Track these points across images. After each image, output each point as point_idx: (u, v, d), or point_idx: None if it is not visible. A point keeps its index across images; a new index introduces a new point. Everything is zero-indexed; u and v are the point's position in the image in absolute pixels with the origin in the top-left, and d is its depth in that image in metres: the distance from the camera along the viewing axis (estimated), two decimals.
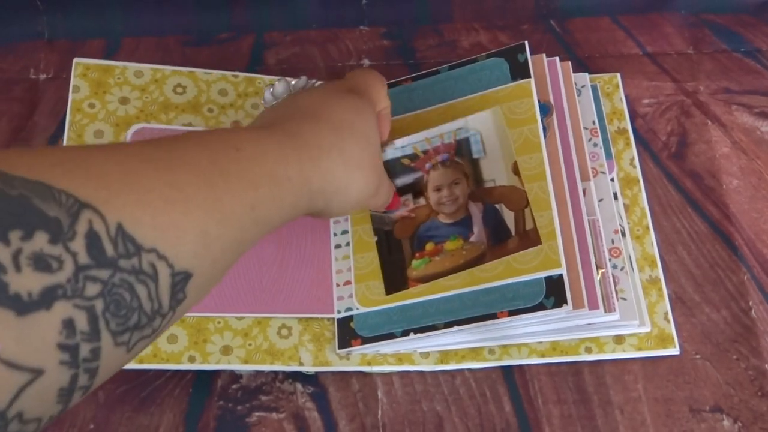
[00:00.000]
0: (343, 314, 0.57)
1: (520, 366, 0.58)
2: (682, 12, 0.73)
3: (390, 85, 0.62)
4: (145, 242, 0.31)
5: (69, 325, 0.28)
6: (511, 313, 0.52)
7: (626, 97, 0.67)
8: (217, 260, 0.35)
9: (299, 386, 0.57)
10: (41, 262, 0.27)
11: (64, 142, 0.58)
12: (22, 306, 0.26)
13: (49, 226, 0.28)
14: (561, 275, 0.51)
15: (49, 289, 0.27)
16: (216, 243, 0.34)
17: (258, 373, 0.57)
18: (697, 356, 0.58)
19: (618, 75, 0.67)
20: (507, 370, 0.58)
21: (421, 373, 0.57)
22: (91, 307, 0.28)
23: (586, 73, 0.65)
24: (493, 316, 0.52)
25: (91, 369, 0.29)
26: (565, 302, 0.50)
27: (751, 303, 0.60)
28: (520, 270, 0.52)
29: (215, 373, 0.56)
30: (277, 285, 0.56)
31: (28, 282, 0.26)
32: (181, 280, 0.33)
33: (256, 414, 0.56)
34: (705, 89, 0.69)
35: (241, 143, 0.38)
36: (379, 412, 0.56)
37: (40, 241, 0.27)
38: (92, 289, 0.28)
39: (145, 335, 0.32)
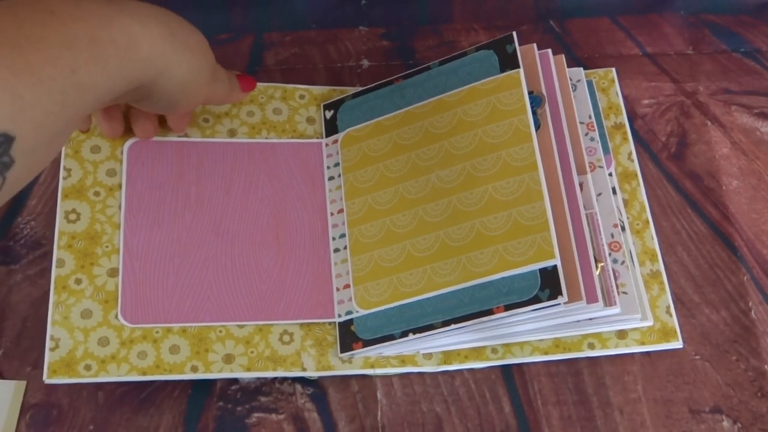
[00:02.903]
0: (344, 318, 0.57)
1: (519, 367, 0.58)
2: (681, 12, 0.73)
3: (382, 85, 0.62)
4: None
5: None
6: (507, 307, 0.52)
7: (626, 97, 0.67)
8: (40, 125, 0.35)
9: (299, 387, 0.57)
10: None
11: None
12: None
13: None
14: (555, 266, 0.51)
15: None
16: (35, 107, 0.34)
17: (257, 376, 0.57)
18: (697, 357, 0.58)
19: (613, 70, 0.67)
20: (506, 371, 0.58)
21: (421, 374, 0.57)
22: None
23: (581, 68, 0.65)
24: (489, 312, 0.52)
25: None
26: (560, 293, 0.50)
27: (750, 304, 0.60)
28: (513, 263, 0.52)
29: (213, 378, 0.56)
30: (278, 292, 0.56)
31: None
32: (2, 143, 0.33)
33: (256, 415, 0.56)
34: (705, 90, 0.69)
35: (56, 6, 0.38)
36: (379, 413, 0.56)
37: None
38: None
39: None
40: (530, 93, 0.57)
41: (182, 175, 0.58)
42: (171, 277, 0.55)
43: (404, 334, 0.54)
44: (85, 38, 0.38)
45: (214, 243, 0.57)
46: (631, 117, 0.67)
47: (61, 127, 0.37)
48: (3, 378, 0.55)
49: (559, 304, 0.50)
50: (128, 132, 0.57)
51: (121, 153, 0.58)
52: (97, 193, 0.56)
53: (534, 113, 0.56)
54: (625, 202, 0.62)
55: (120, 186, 0.57)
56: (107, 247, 0.55)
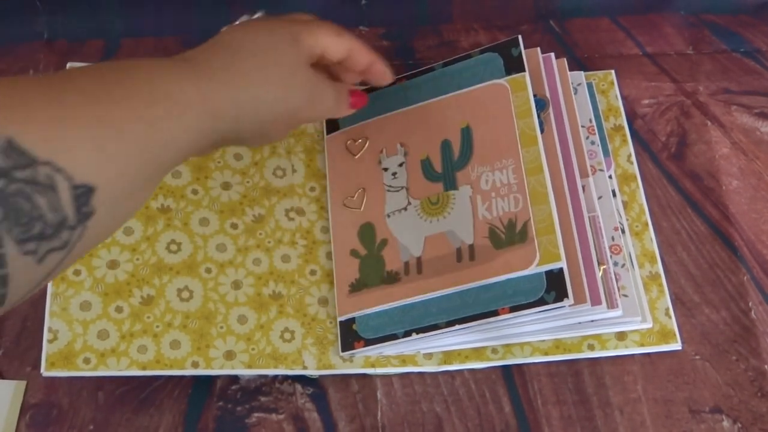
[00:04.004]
0: (346, 316, 0.57)
1: (519, 367, 0.58)
2: (681, 12, 0.73)
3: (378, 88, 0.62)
4: (40, 155, 0.32)
5: None
6: (513, 309, 0.52)
7: (626, 97, 0.67)
8: (121, 176, 0.36)
9: (299, 387, 0.57)
10: None
11: None
12: None
13: None
14: (561, 269, 0.51)
15: None
16: (117, 160, 0.36)
17: (257, 375, 0.57)
18: (697, 357, 0.58)
19: (612, 72, 0.67)
20: (506, 371, 0.58)
21: (421, 374, 0.57)
22: None
23: (582, 72, 0.65)
24: (494, 313, 0.52)
25: (0, 276, 0.31)
26: (566, 296, 0.50)
27: (750, 304, 0.60)
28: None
29: (214, 375, 0.56)
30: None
31: None
32: (83, 193, 0.34)
33: (256, 415, 0.56)
34: (704, 90, 0.69)
35: (134, 69, 0.40)
36: (379, 413, 0.56)
37: None
38: None
39: (55, 247, 0.34)
40: (534, 96, 0.57)
41: None
42: None
43: (407, 334, 0.54)
44: (161, 95, 0.39)
45: None
46: (631, 117, 0.67)
47: (142, 181, 0.38)
48: (3, 378, 0.55)
49: (565, 306, 0.51)
50: None
51: None
52: None
53: (538, 116, 0.56)
54: (625, 204, 0.62)
55: None
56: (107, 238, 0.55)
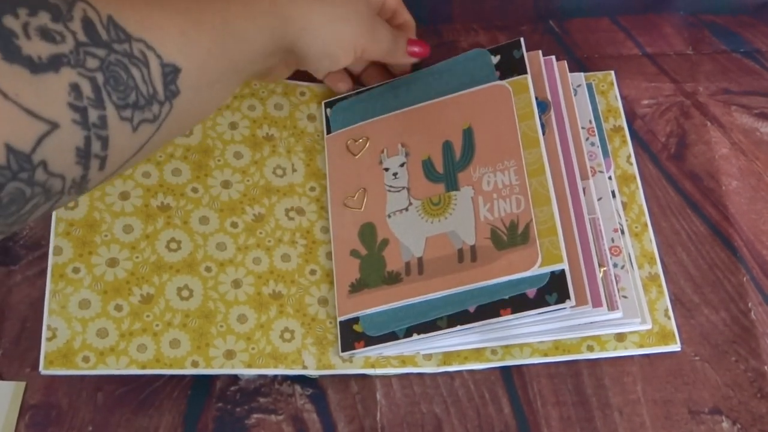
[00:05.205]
0: (346, 316, 0.56)
1: (519, 368, 0.58)
2: (681, 12, 0.73)
3: (379, 85, 0.62)
4: (134, 33, 0.37)
5: (76, 88, 0.34)
6: (514, 310, 0.52)
7: (625, 98, 0.67)
8: (203, 62, 0.41)
9: (298, 388, 0.57)
10: (47, 34, 0.33)
11: None
12: (34, 66, 0.32)
13: (50, 9, 0.34)
14: (563, 270, 0.51)
15: (56, 56, 0.33)
16: (198, 45, 0.41)
17: (257, 374, 0.56)
18: (696, 358, 0.58)
19: (612, 72, 0.67)
20: (506, 372, 0.58)
21: (420, 375, 0.57)
22: (93, 78, 0.35)
23: (582, 73, 0.65)
24: (496, 314, 0.52)
25: (102, 137, 0.35)
26: (568, 298, 0.50)
27: (750, 304, 0.60)
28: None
29: (214, 375, 0.56)
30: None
31: (37, 48, 0.33)
32: (170, 72, 0.39)
33: (255, 416, 0.56)
34: (704, 90, 0.69)
35: None
36: (378, 414, 0.56)
37: (44, 18, 0.33)
38: (92, 62, 0.35)
39: (147, 118, 0.38)
40: (535, 99, 0.57)
41: None
42: None
43: (408, 334, 0.54)
44: None
45: None
46: (631, 117, 0.67)
47: (219, 73, 0.43)
48: (2, 379, 0.55)
49: (566, 308, 0.51)
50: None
51: None
52: None
53: (539, 119, 0.56)
54: (624, 205, 0.62)
55: (119, 174, 0.57)
56: (106, 236, 0.55)
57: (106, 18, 0.36)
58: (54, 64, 0.33)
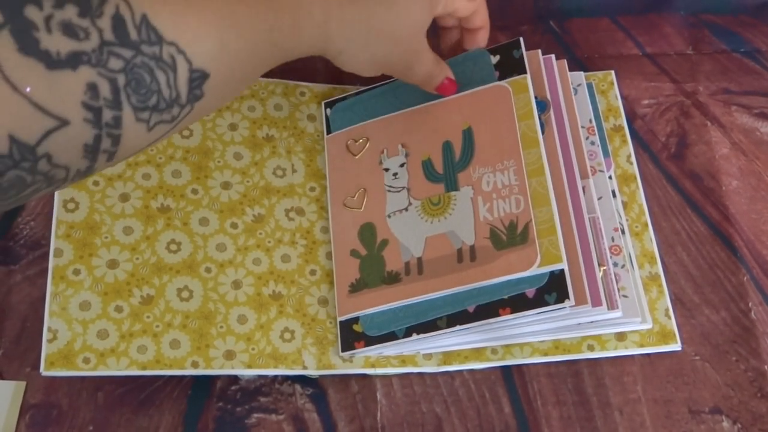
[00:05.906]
0: (346, 316, 0.57)
1: (519, 367, 0.58)
2: (681, 12, 0.73)
3: (379, 85, 0.62)
4: (167, 35, 0.35)
5: (93, 88, 0.33)
6: (514, 310, 0.52)
7: (625, 97, 0.67)
8: (234, 70, 0.40)
9: (298, 388, 0.57)
10: (70, 29, 0.32)
11: None
12: (51, 62, 0.31)
13: (79, 2, 0.32)
14: (562, 270, 0.51)
15: (76, 54, 0.32)
16: (232, 53, 0.39)
17: (258, 373, 0.56)
18: (697, 357, 0.58)
19: (612, 72, 0.67)
20: (506, 372, 0.58)
21: (421, 374, 0.57)
22: (114, 79, 0.33)
23: (582, 72, 0.65)
24: (495, 314, 0.52)
25: (114, 135, 0.34)
26: (567, 297, 0.50)
27: (750, 304, 0.60)
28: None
29: (214, 375, 0.56)
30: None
31: (57, 43, 0.31)
32: (198, 77, 0.37)
33: (255, 415, 0.56)
34: (704, 90, 0.69)
35: None
36: (378, 414, 0.56)
37: (70, 12, 0.32)
38: (115, 63, 0.33)
39: (165, 119, 0.37)
40: (535, 98, 0.57)
41: None
42: None
43: (408, 334, 0.54)
44: (288, 5, 0.43)
45: None
46: (631, 117, 0.67)
47: (249, 74, 0.43)
48: (3, 378, 0.55)
49: (566, 307, 0.51)
50: None
51: None
52: (96, 183, 0.56)
53: (539, 118, 0.56)
54: (624, 205, 0.62)
55: (119, 176, 0.57)
56: (107, 238, 0.55)
57: (139, 17, 0.34)
58: (73, 61, 0.32)
